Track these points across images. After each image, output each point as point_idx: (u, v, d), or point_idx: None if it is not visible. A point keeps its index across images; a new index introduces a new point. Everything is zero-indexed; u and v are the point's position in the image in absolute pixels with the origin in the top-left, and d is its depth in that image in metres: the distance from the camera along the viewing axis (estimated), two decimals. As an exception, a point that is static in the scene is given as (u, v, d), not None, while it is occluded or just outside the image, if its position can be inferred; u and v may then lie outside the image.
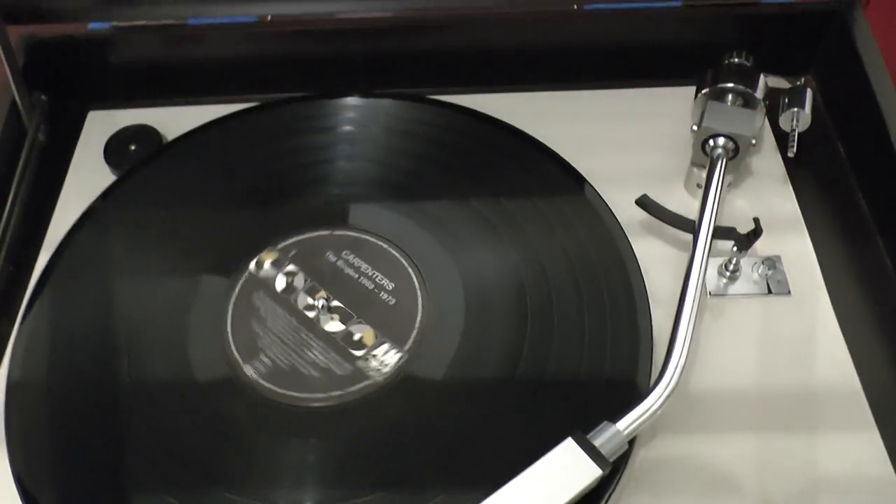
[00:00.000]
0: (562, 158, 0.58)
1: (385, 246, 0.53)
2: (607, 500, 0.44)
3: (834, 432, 0.49)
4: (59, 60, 0.67)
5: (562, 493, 0.39)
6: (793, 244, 0.57)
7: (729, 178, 0.58)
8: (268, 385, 0.48)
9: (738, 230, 0.53)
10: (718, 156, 0.55)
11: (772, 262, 0.55)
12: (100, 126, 0.66)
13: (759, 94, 0.57)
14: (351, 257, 0.53)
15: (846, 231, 0.60)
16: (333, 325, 0.50)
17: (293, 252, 0.54)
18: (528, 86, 0.67)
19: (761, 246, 0.57)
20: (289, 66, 0.68)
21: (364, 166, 0.58)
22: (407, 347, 0.49)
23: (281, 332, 0.50)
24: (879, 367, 0.53)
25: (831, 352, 0.52)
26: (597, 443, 0.41)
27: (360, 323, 0.50)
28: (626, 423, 0.42)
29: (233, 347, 0.49)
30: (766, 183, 0.61)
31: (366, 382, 0.47)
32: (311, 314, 0.51)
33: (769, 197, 0.60)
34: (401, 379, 0.47)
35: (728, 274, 0.55)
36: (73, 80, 0.68)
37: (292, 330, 0.50)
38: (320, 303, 0.51)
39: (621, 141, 0.63)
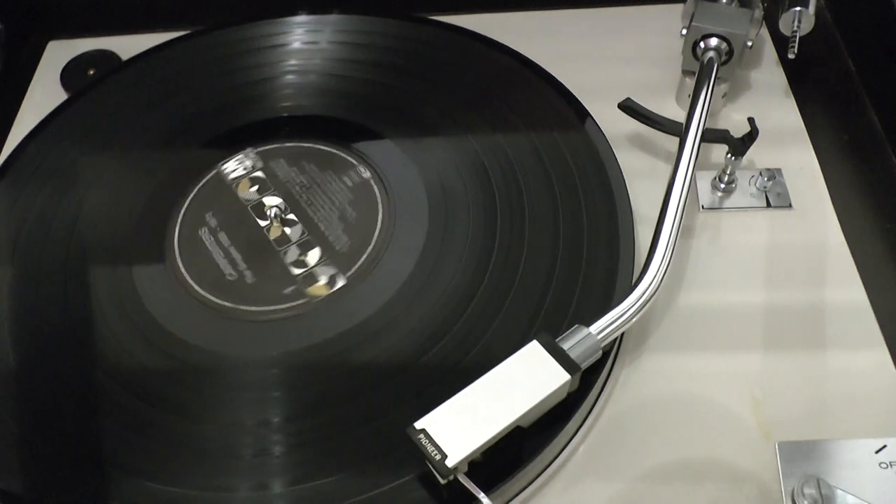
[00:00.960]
0: (523, 56, 0.54)
1: (355, 163, 0.50)
2: (588, 415, 0.41)
3: (840, 351, 0.44)
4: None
5: (526, 397, 0.35)
6: (795, 156, 0.53)
7: (724, 88, 0.54)
8: (193, 284, 0.45)
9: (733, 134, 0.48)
10: (710, 59, 0.50)
11: (771, 174, 0.50)
12: (60, 55, 0.63)
13: (757, -6, 0.52)
14: (320, 172, 0.50)
15: (855, 146, 0.56)
16: (281, 239, 0.46)
17: (263, 159, 0.51)
18: (507, 7, 0.63)
19: (760, 158, 0.52)
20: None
21: (339, 81, 0.55)
22: (350, 273, 0.45)
23: (228, 234, 0.47)
24: (890, 284, 0.48)
25: (837, 267, 0.47)
26: (566, 345, 0.37)
27: (307, 240, 0.46)
28: (599, 328, 0.38)
29: (175, 241, 0.47)
30: (766, 96, 0.57)
31: (299, 301, 0.44)
32: (263, 223, 0.47)
33: (770, 110, 0.55)
34: (335, 303, 0.43)
35: (723, 186, 0.51)
36: (33, 11, 0.65)
37: (239, 234, 0.47)
38: (273, 212, 0.47)
39: (608, 56, 0.59)
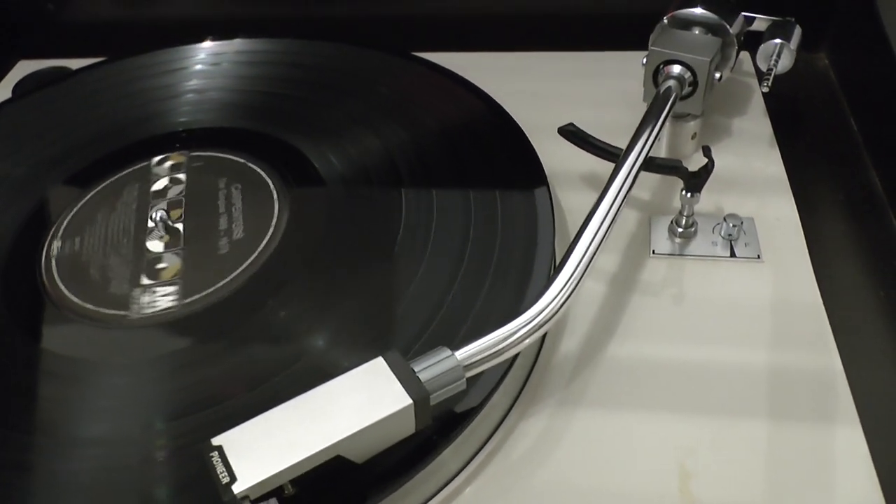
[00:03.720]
0: (432, 62, 0.52)
1: (264, 176, 0.45)
2: (468, 463, 0.34)
3: (800, 425, 0.35)
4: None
5: (352, 421, 0.28)
6: (772, 207, 0.46)
7: (693, 126, 0.48)
8: (54, 268, 0.41)
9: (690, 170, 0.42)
10: (668, 89, 0.44)
11: (737, 221, 0.43)
12: (25, 72, 0.62)
13: (734, 29, 0.47)
14: (235, 188, 0.45)
15: (851, 205, 0.48)
16: (154, 245, 0.42)
17: (197, 163, 0.47)
18: (485, 48, 0.60)
19: (731, 206, 0.45)
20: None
21: (255, 97, 0.52)
22: (190, 300, 0.39)
23: (113, 227, 0.43)
24: (876, 356, 0.40)
25: (808, 329, 0.39)
26: (418, 367, 0.30)
27: (177, 255, 0.41)
28: (466, 353, 0.31)
29: (63, 224, 0.44)
30: (749, 145, 0.50)
31: (122, 312, 0.39)
32: (149, 224, 0.43)
33: (751, 158, 0.49)
34: (156, 324, 0.38)
35: (680, 231, 0.44)
36: (7, 31, 0.66)
37: (122, 231, 0.43)
38: (159, 214, 0.42)
39: (573, 98, 0.54)
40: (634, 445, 0.35)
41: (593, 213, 0.37)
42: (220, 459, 0.27)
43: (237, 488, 0.27)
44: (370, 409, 0.29)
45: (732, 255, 0.43)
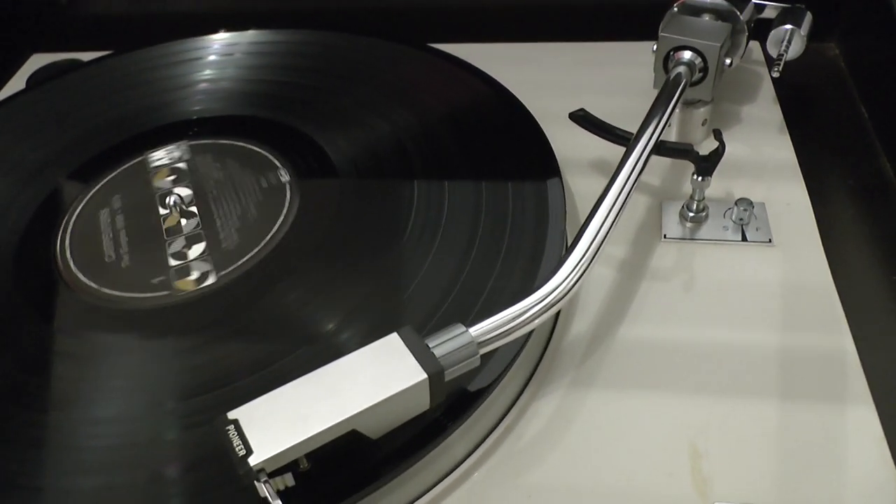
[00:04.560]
0: (444, 52, 0.52)
1: (273, 160, 0.46)
2: (482, 441, 0.34)
3: (813, 404, 0.35)
4: (10, 3, 0.66)
5: (366, 395, 0.28)
6: (782, 192, 0.46)
7: (703, 113, 0.48)
8: (70, 260, 0.41)
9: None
10: (679, 75, 0.44)
11: (748, 206, 0.43)
12: (38, 65, 0.63)
13: (744, 16, 0.47)
14: (238, 169, 0.46)
15: (861, 191, 0.48)
16: (173, 229, 0.42)
17: (197, 152, 0.48)
18: (495, 38, 0.60)
19: (742, 191, 0.45)
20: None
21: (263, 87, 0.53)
22: (224, 272, 0.39)
23: (126, 218, 0.43)
24: (888, 336, 0.40)
25: (820, 310, 0.39)
26: (432, 343, 0.30)
27: (197, 233, 0.42)
28: (480, 329, 0.31)
29: (73, 217, 0.44)
30: (759, 131, 0.50)
31: (165, 292, 0.39)
32: (163, 212, 0.43)
33: (762, 144, 0.49)
34: (199, 299, 0.38)
35: (691, 216, 0.44)
36: (21, 25, 0.66)
37: (135, 222, 0.43)
38: (174, 199, 0.43)
39: (583, 86, 0.54)
40: (646, 425, 0.35)
41: (606, 194, 0.37)
42: (236, 433, 0.28)
43: (253, 461, 0.27)
44: (385, 384, 0.29)
45: (744, 239, 0.43)
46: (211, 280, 0.39)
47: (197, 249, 0.41)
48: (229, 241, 0.41)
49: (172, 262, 0.40)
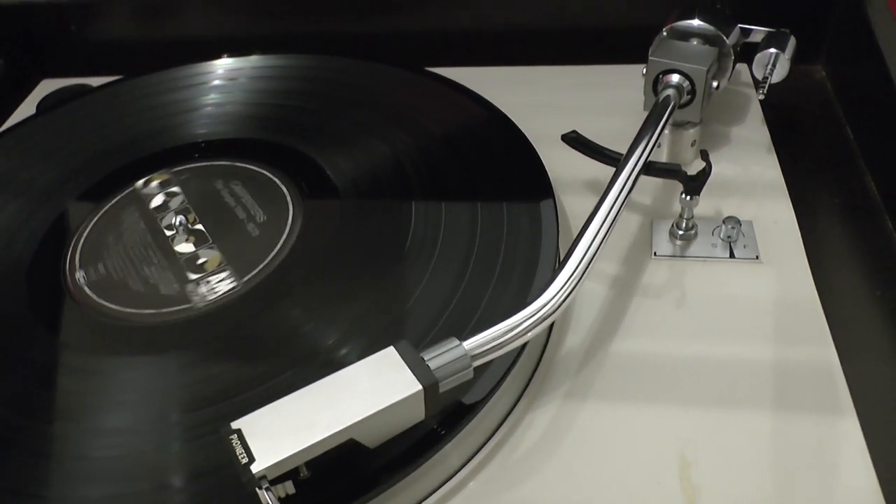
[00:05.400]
0: (442, 76, 0.54)
1: (272, 178, 0.47)
2: (477, 451, 0.35)
3: (798, 416, 0.37)
4: (20, 29, 0.68)
5: (364, 406, 0.30)
6: (769, 210, 0.47)
7: (692, 134, 0.50)
8: (88, 292, 0.42)
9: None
10: (667, 97, 0.46)
11: (736, 223, 0.44)
12: (48, 90, 0.64)
13: (730, 40, 0.49)
14: (237, 187, 0.47)
15: (847, 209, 0.50)
16: (184, 247, 0.44)
17: (184, 176, 0.49)
18: (490, 62, 0.62)
19: (731, 209, 0.46)
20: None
21: (252, 109, 0.55)
22: (246, 279, 0.41)
23: (131, 245, 0.45)
24: (870, 351, 0.41)
25: (806, 325, 0.40)
26: (427, 356, 0.31)
27: (211, 248, 0.43)
28: (474, 343, 0.32)
29: (77, 252, 0.45)
30: (747, 151, 0.52)
31: (184, 306, 0.40)
32: (168, 233, 0.45)
33: (749, 164, 0.51)
34: (222, 307, 0.40)
35: (681, 233, 0.45)
36: (33, 50, 0.68)
37: (142, 245, 0.44)
38: (178, 220, 0.44)
39: (576, 109, 0.56)
40: (637, 436, 0.36)
41: (596, 212, 0.38)
42: (239, 442, 0.29)
43: (255, 468, 0.28)
44: (382, 395, 0.30)
45: (732, 256, 0.44)
46: (216, 297, 0.40)
47: (202, 269, 0.42)
48: (234, 260, 0.42)
49: (177, 281, 0.42)
